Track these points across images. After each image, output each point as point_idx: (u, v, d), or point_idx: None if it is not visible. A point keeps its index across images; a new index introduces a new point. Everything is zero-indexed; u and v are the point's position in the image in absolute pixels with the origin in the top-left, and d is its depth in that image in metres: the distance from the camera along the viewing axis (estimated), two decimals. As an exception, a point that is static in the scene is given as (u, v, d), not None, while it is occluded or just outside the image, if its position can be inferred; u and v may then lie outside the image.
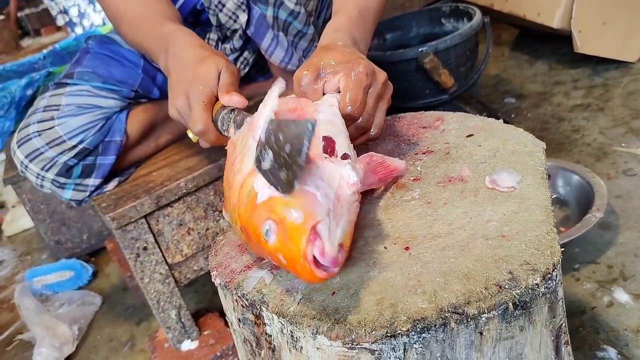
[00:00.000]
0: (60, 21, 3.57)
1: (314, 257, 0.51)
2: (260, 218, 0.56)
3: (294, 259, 0.52)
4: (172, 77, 0.89)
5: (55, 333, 1.52)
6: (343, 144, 0.65)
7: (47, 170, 1.14)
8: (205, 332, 1.32)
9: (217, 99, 0.83)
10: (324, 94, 0.76)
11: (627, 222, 1.32)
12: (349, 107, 0.71)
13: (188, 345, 1.29)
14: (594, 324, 1.09)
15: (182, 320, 1.28)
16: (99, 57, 1.20)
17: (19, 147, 1.13)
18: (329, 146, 0.64)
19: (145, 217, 1.15)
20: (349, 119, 0.72)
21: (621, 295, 1.13)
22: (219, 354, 1.26)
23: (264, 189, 0.57)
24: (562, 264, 1.20)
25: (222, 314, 1.36)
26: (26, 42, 4.98)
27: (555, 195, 1.43)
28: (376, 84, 0.74)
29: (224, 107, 0.81)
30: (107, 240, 1.84)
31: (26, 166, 1.14)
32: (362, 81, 0.72)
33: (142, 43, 1.01)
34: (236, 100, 0.80)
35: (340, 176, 0.58)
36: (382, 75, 0.75)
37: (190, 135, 0.91)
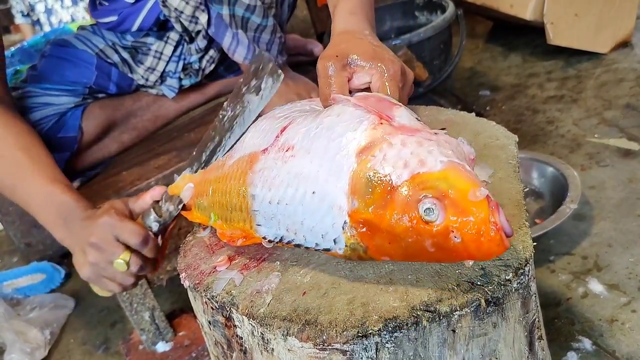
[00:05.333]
0: (18, 20, 3.42)
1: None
2: (412, 198, 0.48)
3: (478, 232, 0.45)
4: (70, 240, 0.81)
5: (26, 338, 1.48)
6: None
7: None
8: (180, 333, 1.30)
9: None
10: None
11: (600, 213, 1.33)
12: None
13: (163, 346, 1.27)
14: (569, 315, 1.10)
15: (156, 321, 1.25)
16: (53, 60, 1.21)
17: None
18: None
19: (115, 217, 1.12)
20: None
21: (595, 286, 1.14)
22: (194, 355, 1.24)
23: (398, 169, 0.49)
24: (538, 256, 1.21)
25: (198, 314, 1.34)
26: (-5, 39, 4.86)
27: (530, 187, 1.44)
28: (407, 83, 0.71)
29: (151, 206, 0.77)
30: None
31: None
32: (397, 84, 0.68)
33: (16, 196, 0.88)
34: (157, 192, 0.77)
35: (465, 152, 0.53)
36: (411, 75, 0.73)
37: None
